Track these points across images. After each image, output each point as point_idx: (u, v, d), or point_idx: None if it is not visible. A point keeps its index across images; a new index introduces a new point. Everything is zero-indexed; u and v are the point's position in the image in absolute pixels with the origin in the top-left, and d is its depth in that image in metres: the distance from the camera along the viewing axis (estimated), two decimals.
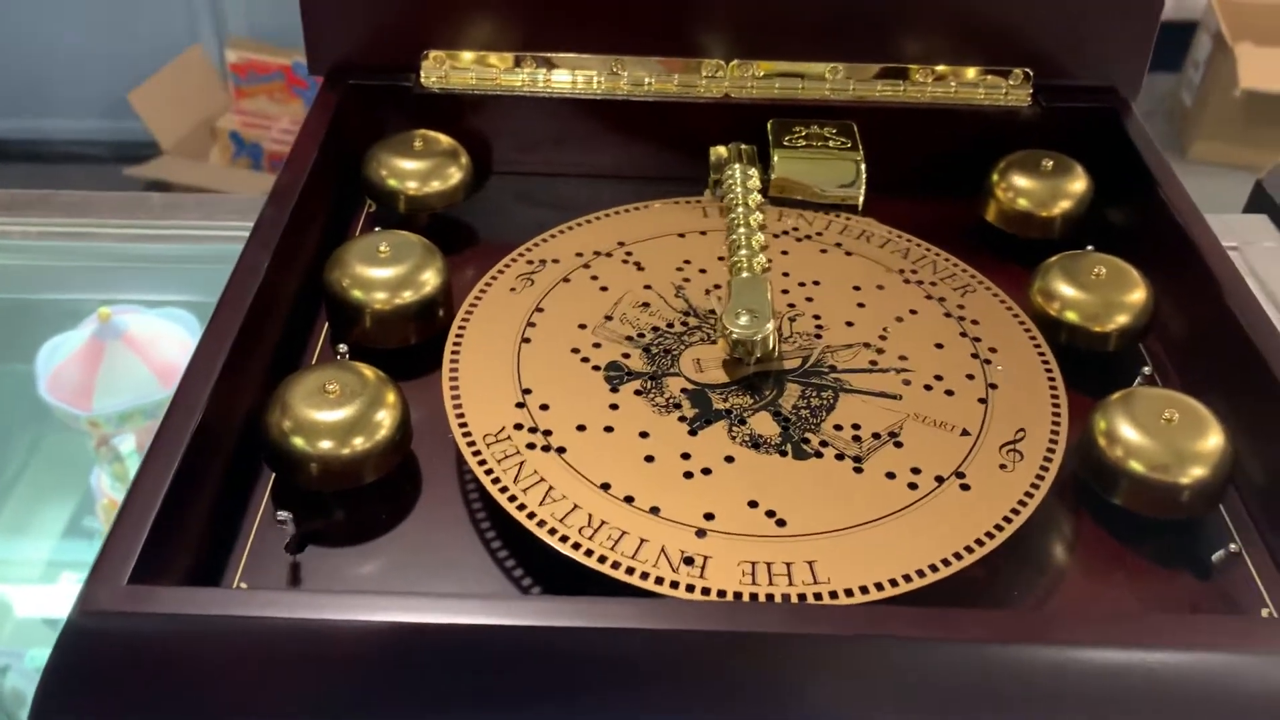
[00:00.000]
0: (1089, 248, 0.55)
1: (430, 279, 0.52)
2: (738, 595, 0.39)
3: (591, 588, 0.39)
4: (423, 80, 0.62)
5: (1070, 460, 0.46)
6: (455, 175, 0.59)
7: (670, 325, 0.50)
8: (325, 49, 0.62)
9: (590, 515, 0.41)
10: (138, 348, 0.78)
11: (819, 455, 0.44)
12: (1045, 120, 0.62)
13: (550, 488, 0.42)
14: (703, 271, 0.53)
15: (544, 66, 0.62)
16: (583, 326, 0.49)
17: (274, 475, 0.46)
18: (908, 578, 0.39)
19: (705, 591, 0.39)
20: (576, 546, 0.40)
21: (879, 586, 0.39)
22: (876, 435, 0.45)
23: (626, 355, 0.48)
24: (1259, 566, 0.45)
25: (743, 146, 0.60)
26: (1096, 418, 0.46)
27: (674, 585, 0.39)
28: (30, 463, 0.82)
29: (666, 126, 0.62)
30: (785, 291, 0.52)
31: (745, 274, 0.50)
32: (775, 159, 0.58)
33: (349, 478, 0.44)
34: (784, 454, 0.44)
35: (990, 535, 0.41)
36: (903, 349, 0.49)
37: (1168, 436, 0.45)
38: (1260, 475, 0.47)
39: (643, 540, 0.40)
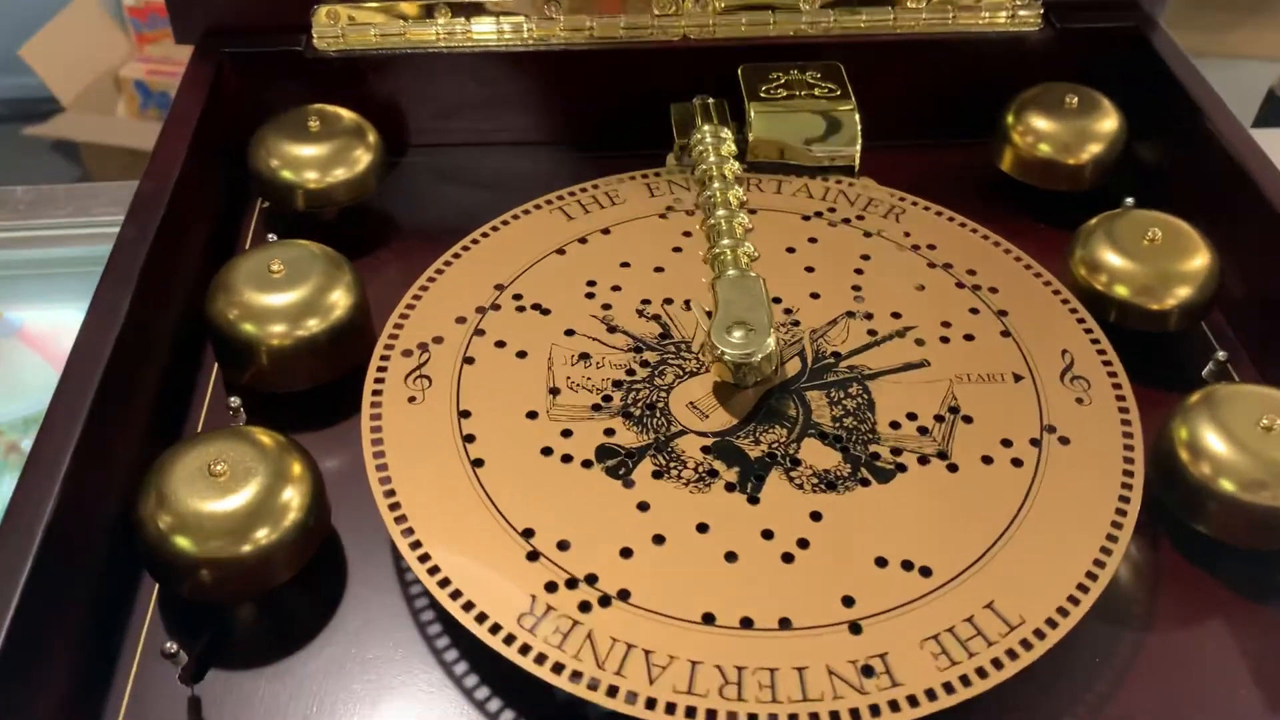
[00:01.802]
0: (1129, 201, 0.46)
1: (340, 300, 0.41)
2: (949, 686, 0.31)
3: None
4: (315, 42, 0.51)
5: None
6: (363, 159, 0.48)
7: (631, 372, 0.39)
8: (193, 10, 0.51)
9: (697, 664, 0.31)
10: (37, 345, 0.70)
11: (902, 469, 0.37)
12: (1060, 46, 0.53)
13: (647, 653, 0.31)
14: (616, 289, 0.42)
15: (462, 15, 0.51)
16: (533, 415, 0.38)
17: (157, 585, 0.36)
18: (1092, 576, 0.34)
19: (916, 702, 0.31)
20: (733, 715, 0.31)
21: (1073, 600, 0.33)
22: (939, 418, 0.38)
23: (610, 432, 0.37)
24: None
25: (710, 101, 0.49)
26: (1174, 427, 0.38)
27: (875, 710, 0.30)
28: None
29: (615, 80, 0.52)
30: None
31: (731, 272, 0.41)
32: (751, 115, 0.48)
33: (253, 582, 0.35)
34: (866, 483, 0.36)
35: (1125, 498, 0.36)
36: (890, 306, 0.42)
37: (1269, 448, 0.36)
38: None
39: (801, 669, 0.31)
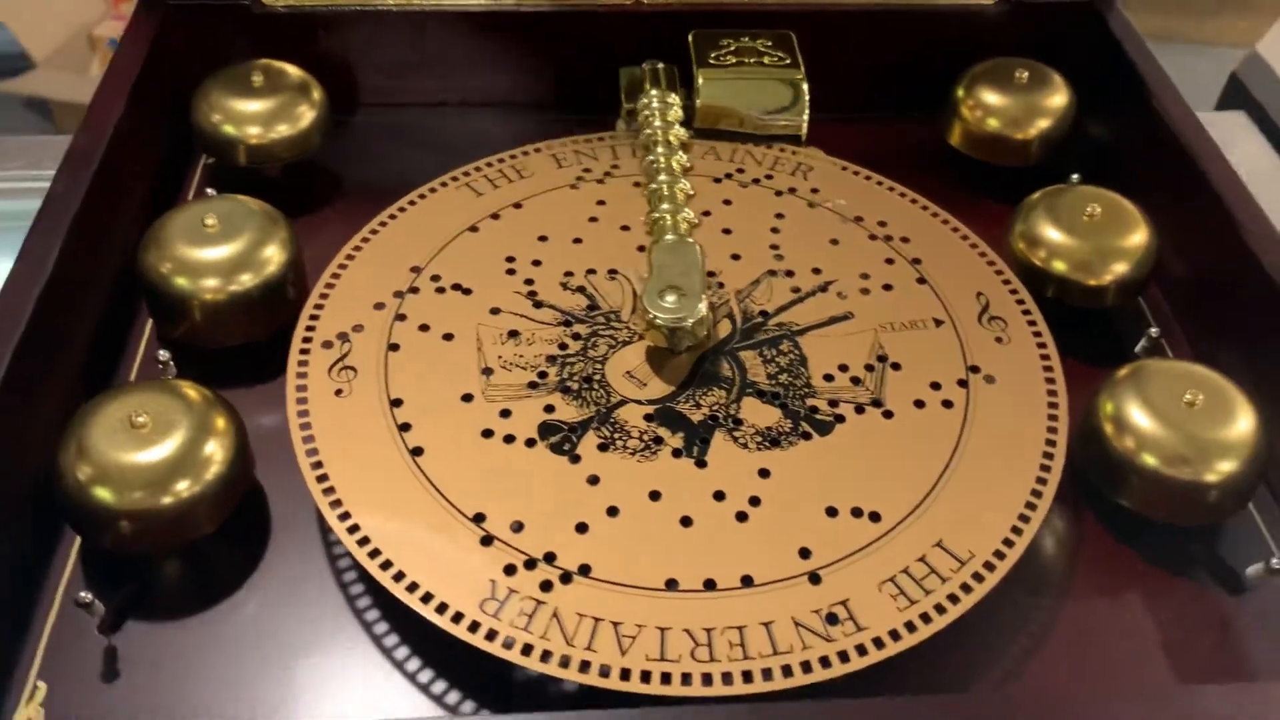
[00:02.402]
0: (1074, 178, 0.46)
1: (274, 256, 0.41)
2: (910, 625, 0.32)
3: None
4: None
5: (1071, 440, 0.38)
6: (306, 115, 0.48)
7: (564, 346, 0.39)
8: None
9: (666, 630, 0.31)
10: None
11: (841, 420, 0.37)
12: (1015, 20, 0.53)
13: (616, 624, 0.31)
14: (537, 264, 0.42)
15: None
16: (469, 398, 0.37)
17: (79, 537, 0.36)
18: (1031, 505, 0.35)
19: (882, 644, 0.31)
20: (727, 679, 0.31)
21: (1016, 531, 0.34)
22: (870, 367, 0.39)
23: (550, 408, 0.37)
24: None
25: (660, 66, 0.49)
26: (1100, 400, 0.38)
27: (845, 657, 0.31)
28: None
29: (567, 43, 0.52)
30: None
31: (670, 237, 0.41)
32: (699, 81, 0.48)
33: (173, 534, 0.34)
34: (808, 437, 0.37)
35: (1053, 429, 0.37)
36: (809, 262, 0.43)
37: (1192, 423, 0.36)
38: None
39: (768, 623, 0.32)
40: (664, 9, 0.51)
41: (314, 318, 0.39)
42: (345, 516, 0.33)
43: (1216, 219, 0.43)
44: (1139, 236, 0.43)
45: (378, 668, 0.34)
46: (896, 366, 0.39)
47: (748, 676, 0.31)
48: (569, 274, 0.41)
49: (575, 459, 0.36)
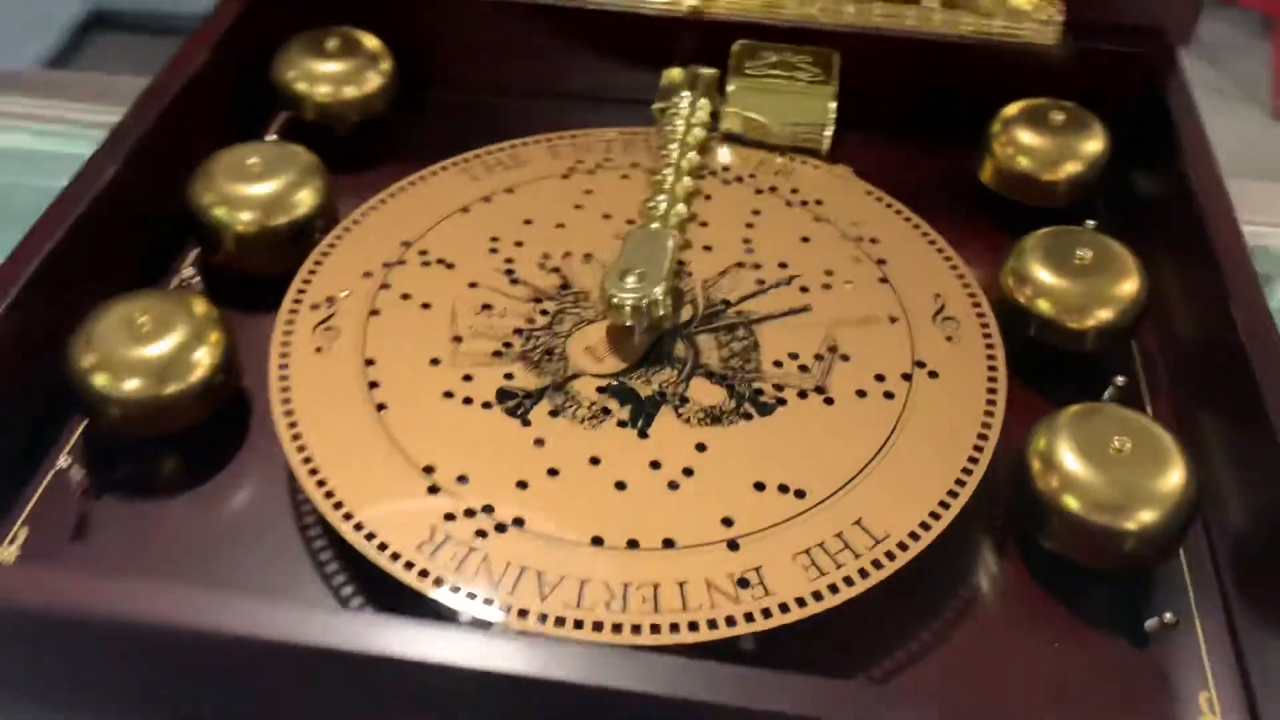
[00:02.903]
0: (1089, 223, 0.46)
1: (305, 200, 0.46)
2: (817, 594, 0.34)
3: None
4: None
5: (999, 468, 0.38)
6: (373, 81, 0.53)
7: (532, 321, 0.42)
8: None
9: (585, 582, 0.34)
10: None
11: (783, 403, 0.39)
12: (1071, 64, 0.53)
13: (539, 573, 0.34)
14: (519, 244, 0.45)
15: None
16: (436, 362, 0.40)
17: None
18: (953, 494, 0.36)
19: (786, 609, 0.33)
20: (618, 629, 0.33)
21: (934, 516, 0.36)
22: (819, 356, 0.41)
23: (510, 376, 0.40)
24: (1210, 636, 0.37)
25: (701, 71, 0.52)
26: (1036, 436, 0.38)
27: (750, 618, 0.33)
28: None
29: (623, 43, 0.55)
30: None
31: (654, 225, 0.43)
32: (730, 88, 0.50)
33: (155, 424, 0.39)
34: (749, 417, 0.39)
35: (986, 424, 0.38)
36: (777, 256, 0.44)
37: (1116, 469, 0.36)
38: (1237, 523, 0.38)
39: (682, 583, 0.34)
40: (720, 20, 0.54)
41: (306, 281, 0.43)
42: (308, 460, 0.37)
43: (1212, 285, 0.42)
44: (1128, 285, 0.43)
45: (309, 579, 0.37)
46: (845, 358, 0.41)
47: (655, 629, 0.33)
48: (547, 256, 0.44)
49: (526, 423, 0.38)
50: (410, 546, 0.34)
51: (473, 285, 0.43)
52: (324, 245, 0.44)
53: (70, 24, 1.68)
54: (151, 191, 0.46)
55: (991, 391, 0.39)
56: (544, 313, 0.42)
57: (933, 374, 0.40)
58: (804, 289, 0.43)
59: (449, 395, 0.39)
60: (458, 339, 0.41)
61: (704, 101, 0.50)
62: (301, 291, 0.42)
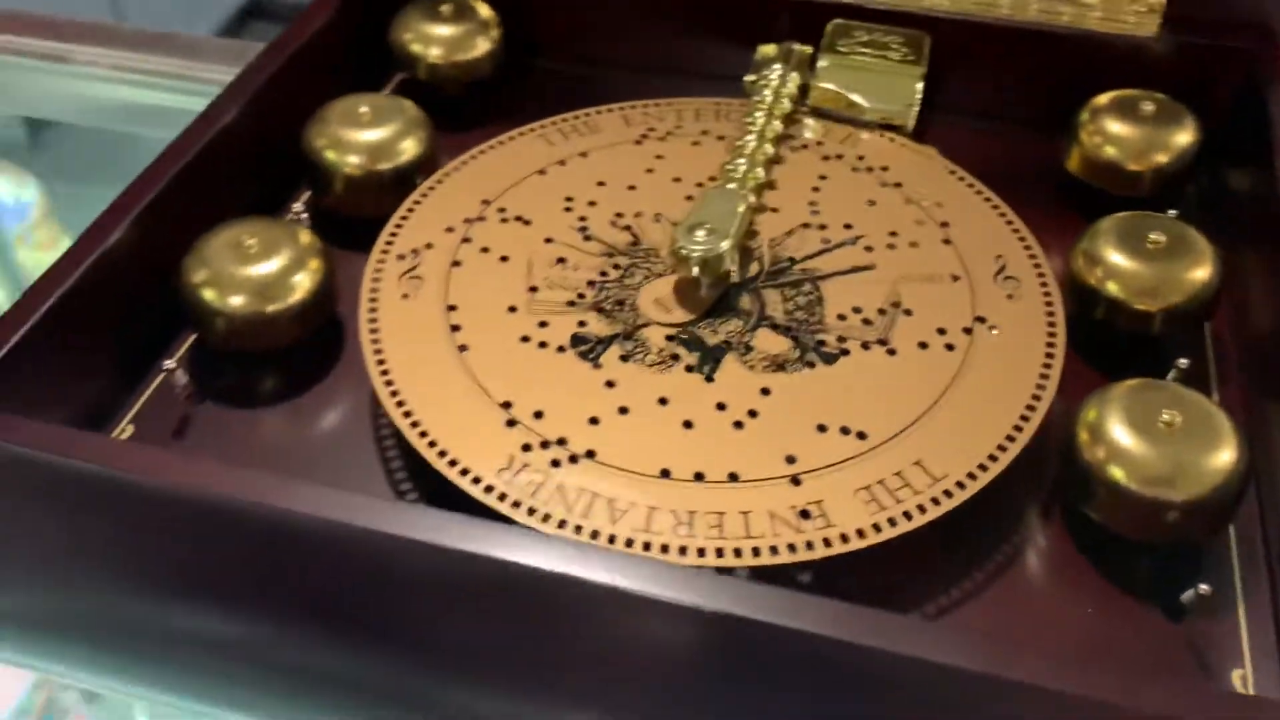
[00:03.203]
0: (1171, 213, 0.46)
1: (409, 148, 0.49)
2: (877, 526, 0.35)
3: None
4: None
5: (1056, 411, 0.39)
6: (482, 46, 0.56)
7: (604, 274, 0.44)
8: None
9: (654, 509, 0.36)
10: None
11: (846, 353, 0.41)
12: (1168, 57, 0.53)
13: (610, 500, 0.36)
14: (592, 204, 0.47)
15: None
16: (514, 310, 0.42)
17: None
18: (1011, 438, 0.38)
19: (846, 539, 0.35)
20: (701, 553, 0.35)
21: (992, 458, 0.37)
22: (882, 311, 0.42)
23: (583, 323, 0.42)
24: (1253, 616, 0.37)
25: (795, 47, 0.53)
26: (1087, 407, 0.39)
27: (810, 545, 0.35)
28: None
29: (723, 20, 0.56)
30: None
31: (730, 185, 0.45)
32: (820, 63, 0.51)
33: (257, 339, 0.43)
34: (812, 365, 0.40)
35: (1045, 375, 0.40)
36: (842, 218, 0.46)
37: (1164, 443, 0.37)
38: None
39: (746, 513, 0.36)
40: (816, 1, 0.55)
41: (393, 234, 0.45)
42: (395, 394, 0.39)
43: None
44: (1200, 271, 0.43)
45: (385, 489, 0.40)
46: (908, 313, 0.42)
47: (720, 553, 0.35)
48: (619, 215, 0.46)
49: (597, 365, 0.40)
50: (490, 472, 0.37)
51: (548, 240, 0.45)
52: (409, 202, 0.47)
53: (230, 12, 1.77)
54: (269, 134, 0.50)
55: (1050, 344, 0.40)
56: (616, 267, 0.44)
57: (993, 328, 0.41)
58: (868, 248, 0.45)
59: (525, 339, 0.41)
60: (534, 289, 0.43)
61: (794, 75, 0.51)
62: (389, 242, 0.45)
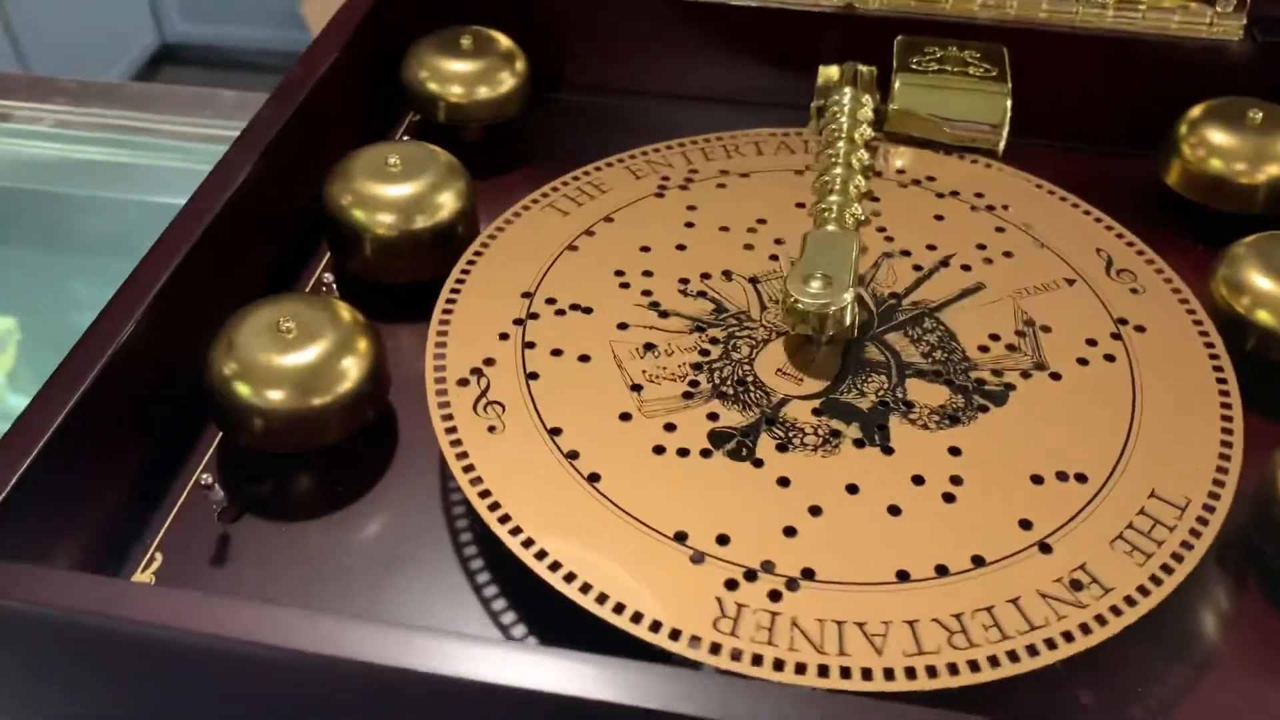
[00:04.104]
0: None
1: (448, 203, 0.43)
2: (1155, 579, 0.31)
3: None
4: None
5: (1239, 514, 0.34)
6: (507, 82, 0.50)
7: (705, 352, 0.37)
8: None
9: (917, 622, 0.30)
10: None
11: (1011, 387, 0.36)
12: (1259, 60, 0.49)
13: (861, 625, 0.30)
14: (648, 274, 0.40)
15: None
16: (627, 417, 0.35)
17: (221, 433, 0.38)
18: (1227, 444, 0.34)
19: (1133, 601, 0.30)
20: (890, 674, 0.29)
21: (1222, 470, 0.34)
22: (1020, 332, 0.38)
23: (714, 416, 0.35)
24: None
25: (860, 68, 0.48)
26: (1277, 461, 0.34)
27: (1102, 620, 0.30)
28: None
29: (773, 40, 0.51)
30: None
31: (831, 227, 0.40)
32: (896, 85, 0.46)
33: (300, 438, 0.36)
34: (985, 409, 0.36)
35: (1218, 367, 0.37)
36: (921, 239, 0.42)
37: None
38: None
39: (1015, 600, 0.30)
40: (875, 15, 0.50)
41: (439, 356, 0.37)
42: (542, 555, 0.31)
43: None
44: None
45: (466, 607, 0.34)
46: (1046, 329, 0.38)
47: (1013, 656, 0.29)
48: (684, 280, 0.40)
49: (758, 463, 0.34)
50: (706, 626, 0.30)
51: (622, 326, 0.38)
52: (439, 314, 0.39)
53: (141, 57, 1.69)
54: (285, 192, 0.44)
55: (1203, 333, 0.38)
56: (713, 341, 0.38)
57: (1139, 328, 0.38)
58: (965, 267, 0.41)
59: (660, 450, 0.34)
60: (637, 388, 0.36)
61: (866, 98, 0.46)
62: (440, 367, 0.37)
